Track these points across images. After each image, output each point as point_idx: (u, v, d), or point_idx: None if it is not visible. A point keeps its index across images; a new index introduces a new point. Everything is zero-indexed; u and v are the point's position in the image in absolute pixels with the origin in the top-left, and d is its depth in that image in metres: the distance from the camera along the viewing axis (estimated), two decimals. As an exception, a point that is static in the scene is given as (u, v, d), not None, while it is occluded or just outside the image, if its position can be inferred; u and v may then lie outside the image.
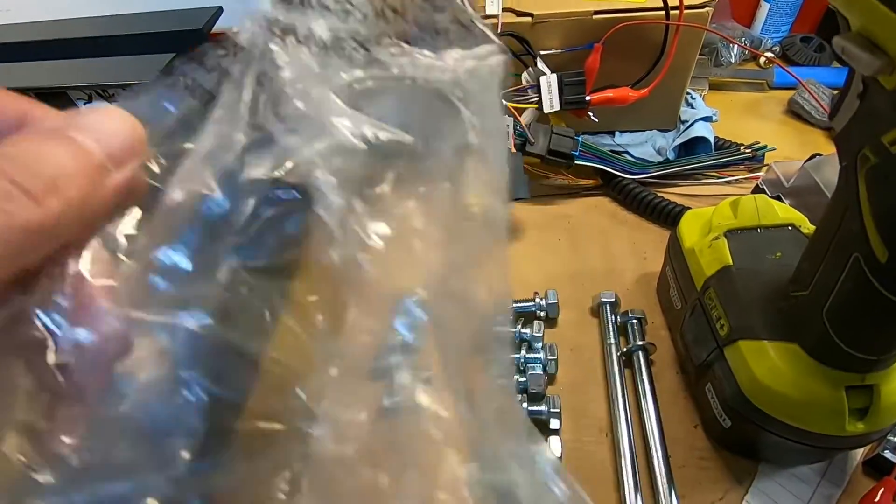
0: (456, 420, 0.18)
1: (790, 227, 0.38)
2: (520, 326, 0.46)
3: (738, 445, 0.37)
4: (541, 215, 0.58)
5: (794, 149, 0.62)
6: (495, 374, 0.20)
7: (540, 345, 0.45)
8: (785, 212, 0.39)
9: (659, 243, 0.53)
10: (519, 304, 0.48)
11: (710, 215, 0.41)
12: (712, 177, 0.57)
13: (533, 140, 0.53)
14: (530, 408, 0.40)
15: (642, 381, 0.42)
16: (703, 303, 0.38)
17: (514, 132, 0.52)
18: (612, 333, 0.45)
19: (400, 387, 0.18)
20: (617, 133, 0.62)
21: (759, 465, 0.38)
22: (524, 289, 0.51)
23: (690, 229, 0.42)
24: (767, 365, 0.32)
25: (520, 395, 0.42)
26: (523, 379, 0.42)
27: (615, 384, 0.42)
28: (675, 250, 0.43)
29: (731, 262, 0.37)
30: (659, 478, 0.37)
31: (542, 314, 0.47)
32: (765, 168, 0.55)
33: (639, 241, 0.54)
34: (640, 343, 0.43)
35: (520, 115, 0.53)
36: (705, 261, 0.38)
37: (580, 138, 0.54)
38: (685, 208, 0.51)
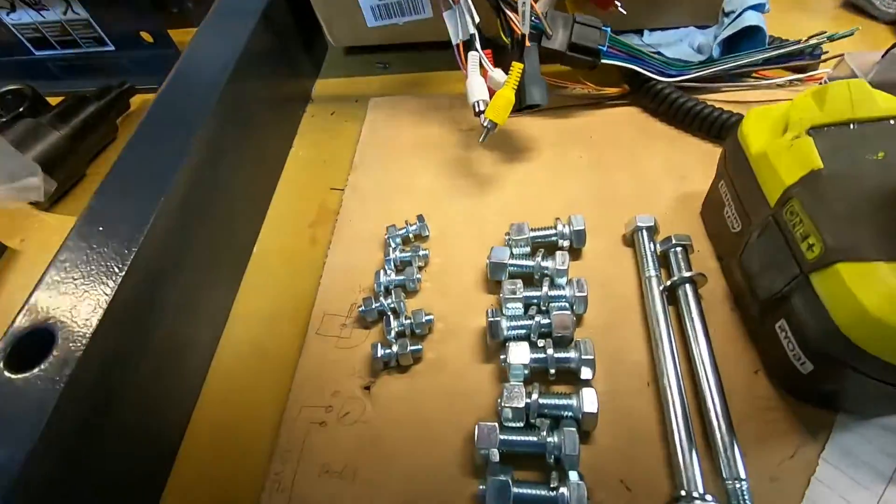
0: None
1: (893, 121, 0.29)
2: (539, 259, 0.38)
3: (816, 393, 0.31)
4: (558, 130, 0.49)
5: (856, 49, 0.52)
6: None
7: (565, 280, 0.37)
8: (887, 101, 0.30)
9: (701, 159, 0.44)
10: (537, 233, 0.40)
11: (786, 110, 0.32)
12: (761, 79, 0.48)
13: (551, 32, 0.43)
14: (557, 355, 0.33)
15: (691, 318, 0.34)
16: (781, 220, 0.29)
17: (530, 22, 0.41)
18: (651, 264, 0.37)
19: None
20: (646, 32, 0.52)
21: (837, 416, 0.31)
22: (542, 216, 0.42)
23: (758, 130, 0.33)
24: (881, 292, 0.24)
25: (542, 341, 0.34)
26: (546, 321, 0.35)
27: (658, 324, 0.34)
28: (735, 158, 0.34)
29: (820, 164, 0.28)
30: (718, 433, 0.30)
31: (566, 244, 0.39)
32: (833, 61, 0.45)
33: (676, 158, 0.45)
34: (688, 274, 0.36)
35: (534, 0, 0.42)
36: (783, 166, 0.30)
37: (608, 29, 0.44)
38: (739, 116, 0.42)
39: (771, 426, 0.31)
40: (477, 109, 0.41)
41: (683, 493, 0.28)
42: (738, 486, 0.28)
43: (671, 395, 0.32)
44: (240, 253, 0.46)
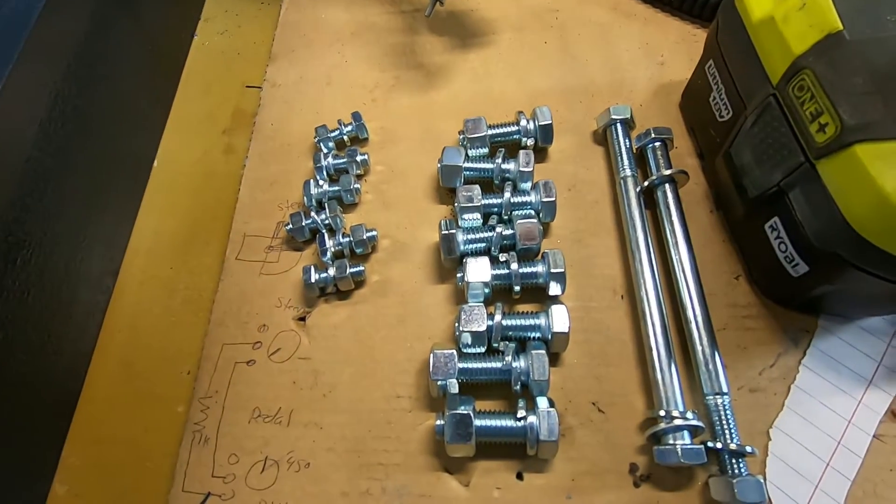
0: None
1: (920, -26, 0.24)
2: (500, 160, 0.32)
3: (802, 298, 0.28)
4: (518, 9, 0.41)
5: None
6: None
7: (529, 184, 0.32)
8: (914, -52, 0.25)
9: (682, 42, 0.39)
10: (496, 130, 0.34)
11: (796, -36, 0.27)
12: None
13: None
14: (522, 269, 0.29)
15: (671, 222, 0.30)
16: (786, 98, 0.25)
17: None
18: (626, 162, 0.32)
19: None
20: None
21: (819, 320, 0.29)
22: (501, 111, 0.36)
23: (761, -9, 0.27)
24: (906, 177, 0.20)
25: (505, 255, 0.29)
26: (509, 232, 0.30)
27: (635, 230, 0.30)
28: (730, 30, 0.29)
29: (839, 25, 0.23)
30: (699, 345, 0.27)
31: (530, 142, 0.34)
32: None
33: (653, 41, 0.39)
34: (668, 172, 0.31)
35: None
36: (793, 31, 0.25)
37: None
38: None
39: (751, 335, 0.29)
40: (420, -28, 0.33)
41: (662, 412, 0.25)
42: (719, 401, 0.26)
43: (648, 306, 0.28)
44: (135, 167, 0.38)
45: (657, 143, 0.32)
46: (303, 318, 0.31)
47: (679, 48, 0.38)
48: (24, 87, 0.27)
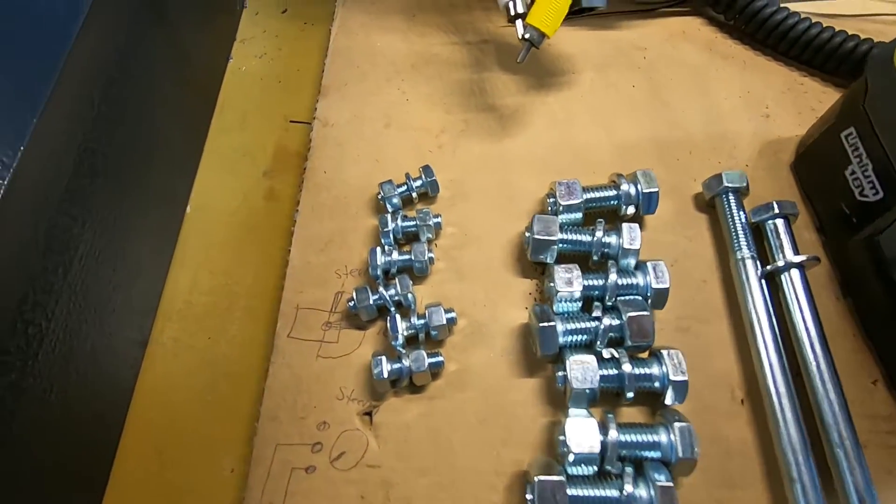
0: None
1: None
2: (600, 233, 0.27)
3: (968, 420, 0.24)
4: (601, 46, 0.37)
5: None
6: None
7: (633, 261, 0.27)
8: None
9: (788, 91, 0.34)
10: (592, 195, 0.29)
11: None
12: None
13: None
14: (636, 370, 0.24)
15: (802, 315, 0.26)
16: (980, 195, 0.21)
17: None
18: (744, 241, 0.28)
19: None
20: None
21: (976, 439, 0.25)
22: (587, 163, 0.32)
23: (934, 57, 0.23)
24: None
25: (611, 351, 0.25)
26: (616, 322, 0.25)
27: (759, 322, 0.26)
28: (886, 97, 0.25)
29: None
30: (848, 475, 0.23)
31: (630, 210, 0.29)
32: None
33: (756, 88, 0.35)
34: (797, 260, 0.27)
35: None
36: None
37: None
38: (870, 43, 0.32)
39: (895, 452, 0.25)
40: (512, 11, 0.28)
41: (816, 564, 0.21)
42: (880, 548, 0.22)
43: (784, 416, 0.24)
44: (166, 215, 0.33)
45: (779, 220, 0.28)
46: (369, 413, 0.26)
47: (785, 99, 0.34)
48: (50, 142, 0.22)
